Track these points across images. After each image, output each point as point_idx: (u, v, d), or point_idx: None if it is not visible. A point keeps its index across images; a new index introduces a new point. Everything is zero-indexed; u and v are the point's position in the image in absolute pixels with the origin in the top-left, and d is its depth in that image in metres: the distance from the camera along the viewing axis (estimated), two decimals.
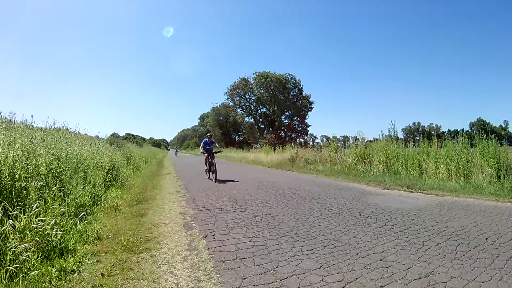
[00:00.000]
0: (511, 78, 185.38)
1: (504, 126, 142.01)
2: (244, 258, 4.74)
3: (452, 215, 7.43)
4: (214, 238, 5.72)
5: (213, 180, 14.50)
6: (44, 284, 3.72)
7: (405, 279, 4.00)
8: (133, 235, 5.66)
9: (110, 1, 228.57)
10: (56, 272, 4.00)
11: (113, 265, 4.38)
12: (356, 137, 21.34)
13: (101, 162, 11.19)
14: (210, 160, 15.49)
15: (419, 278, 4.03)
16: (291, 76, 65.29)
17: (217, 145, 18.34)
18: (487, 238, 5.63)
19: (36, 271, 3.89)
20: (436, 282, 3.91)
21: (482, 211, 7.80)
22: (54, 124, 12.68)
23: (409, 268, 4.34)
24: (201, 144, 16.51)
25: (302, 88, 65.88)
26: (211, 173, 15.34)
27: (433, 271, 4.24)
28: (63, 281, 3.86)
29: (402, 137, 21.77)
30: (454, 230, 6.14)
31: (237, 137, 72.85)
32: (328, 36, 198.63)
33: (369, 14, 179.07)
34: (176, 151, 65.70)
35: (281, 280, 3.97)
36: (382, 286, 3.82)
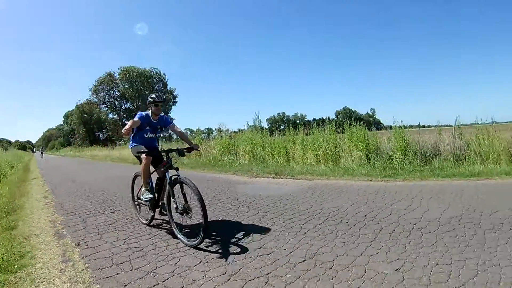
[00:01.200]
0: (378, 70, 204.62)
1: (371, 113, 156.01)
2: (121, 263, 4.32)
3: (326, 197, 7.55)
4: (87, 245, 5.18)
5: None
6: None
7: (290, 263, 3.90)
8: (6, 252, 4.88)
9: None
10: None
11: None
12: (220, 128, 21.34)
13: None
14: (162, 171, 5.61)
15: (304, 260, 3.96)
16: (156, 70, 65.38)
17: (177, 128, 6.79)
18: (365, 215, 5.76)
19: None
20: (323, 262, 3.87)
21: (355, 190, 8.08)
22: None
23: (291, 252, 4.26)
24: (132, 121, 5.59)
25: (167, 82, 66.14)
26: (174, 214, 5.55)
27: (317, 252, 4.20)
28: None
29: (267, 127, 22.38)
30: (330, 211, 6.19)
31: (101, 135, 70.24)
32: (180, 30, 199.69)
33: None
34: (42, 153, 58.63)
35: (163, 281, 3.66)
36: (268, 273, 3.65)
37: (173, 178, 5.25)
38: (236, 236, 5.08)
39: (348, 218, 5.61)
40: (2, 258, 4.54)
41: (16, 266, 4.36)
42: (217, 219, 6.20)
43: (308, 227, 5.28)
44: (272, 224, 5.60)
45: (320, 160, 13.29)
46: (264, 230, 5.28)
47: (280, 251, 4.29)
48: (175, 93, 65.48)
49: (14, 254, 4.82)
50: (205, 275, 3.70)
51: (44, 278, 4.01)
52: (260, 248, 4.46)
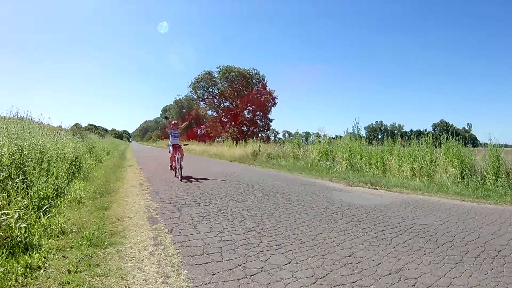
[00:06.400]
0: (475, 83, 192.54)
1: (467, 128, 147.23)
2: (212, 253, 4.62)
3: (418, 212, 7.47)
4: (180, 232, 5.56)
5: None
6: (10, 282, 3.47)
7: (376, 274, 3.97)
8: (98, 229, 5.39)
9: None
10: (22, 269, 3.75)
11: (79, 260, 4.16)
12: (318, 133, 21.38)
13: (64, 153, 10.76)
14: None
15: (390, 274, 4.01)
16: (255, 71, 65.44)
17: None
18: (454, 236, 5.67)
19: (1, 269, 3.63)
20: (407, 278, 3.90)
21: (447, 209, 7.85)
22: (17, 114, 12.08)
23: (379, 264, 4.32)
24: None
25: (266, 83, 66.11)
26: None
27: (403, 267, 4.23)
28: (29, 279, 3.62)
29: (365, 135, 21.99)
30: (421, 228, 6.16)
31: (199, 130, 72.27)
32: (293, 34, 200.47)
33: (334, 12, 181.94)
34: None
35: (251, 276, 3.89)
36: (353, 282, 3.77)
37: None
38: (325, 242, 5.18)
39: (437, 237, 5.57)
40: (93, 234, 5.04)
41: (106, 243, 4.83)
42: (311, 223, 6.32)
43: (398, 241, 5.31)
44: (363, 234, 5.66)
45: (415, 174, 12.94)
46: (354, 239, 5.35)
47: (368, 262, 4.37)
48: (274, 95, 65.47)
49: (105, 232, 5.32)
50: (293, 275, 3.88)
51: (133, 257, 4.39)
52: (350, 256, 4.58)
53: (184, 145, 15.53)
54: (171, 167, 14.56)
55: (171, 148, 14.09)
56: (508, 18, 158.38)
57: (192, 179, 12.41)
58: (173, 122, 14.82)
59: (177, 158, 12.94)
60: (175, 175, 13.29)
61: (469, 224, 6.49)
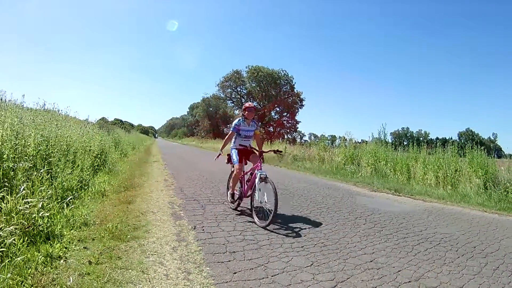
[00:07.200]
0: (502, 93, 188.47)
1: (492, 138, 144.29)
2: (234, 252, 4.70)
3: (440, 221, 7.46)
4: (203, 229, 5.65)
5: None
6: (30, 270, 3.54)
7: (396, 281, 4.02)
8: (120, 222, 5.55)
9: None
10: (42, 258, 3.84)
11: (100, 252, 4.27)
12: (345, 137, 21.30)
13: (90, 146, 11.01)
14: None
15: (409, 281, 4.05)
16: (283, 72, 65.41)
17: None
18: (475, 247, 5.67)
19: (22, 256, 3.71)
20: (426, 287, 3.93)
21: (469, 220, 7.82)
22: (44, 105, 12.39)
23: (399, 271, 4.36)
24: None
25: (294, 85, 66.00)
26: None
27: (423, 275, 4.26)
28: (49, 268, 3.69)
29: (390, 141, 21.76)
30: (442, 237, 6.17)
31: (225, 129, 72.50)
32: (323, 37, 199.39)
33: (368, 13, 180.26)
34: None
35: (272, 276, 3.95)
36: (374, 287, 3.82)
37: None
38: (347, 246, 5.25)
39: (458, 247, 5.57)
40: (116, 227, 5.17)
41: (128, 236, 4.92)
42: (334, 227, 6.39)
43: (419, 249, 5.33)
44: (386, 240, 5.70)
45: (439, 182, 12.80)
46: (376, 245, 5.41)
47: (388, 268, 4.42)
48: (302, 96, 65.14)
49: (128, 225, 5.43)
50: (313, 277, 3.96)
51: (155, 252, 4.47)
52: (371, 261, 4.63)
53: (277, 151, 7.98)
54: (232, 195, 7.43)
55: (235, 155, 7.12)
56: None
57: (218, 177, 12.10)
58: (247, 105, 7.41)
59: (258, 179, 6.46)
60: (234, 207, 7.40)
61: (490, 236, 6.47)
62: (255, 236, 5.47)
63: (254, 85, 64.36)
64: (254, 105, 7.59)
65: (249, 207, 6.83)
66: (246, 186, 7.10)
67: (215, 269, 4.06)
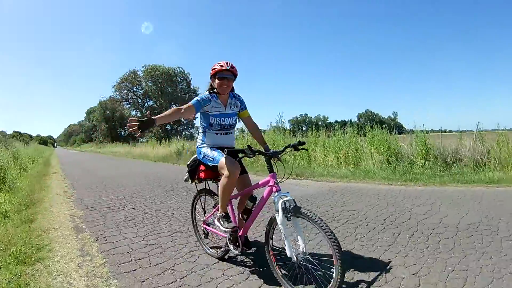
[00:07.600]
0: (400, 72, 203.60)
1: (393, 117, 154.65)
2: (139, 259, 4.41)
3: (346, 199, 7.57)
4: (106, 240, 5.29)
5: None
6: None
7: None
8: (24, 244, 5.02)
9: None
10: None
11: (8, 281, 3.79)
12: (242, 128, 21.37)
13: None
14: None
15: None
16: (180, 69, 66.10)
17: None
18: (385, 219, 5.76)
19: None
20: None
21: (376, 194, 8.04)
22: None
23: (309, 253, 4.19)
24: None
25: (190, 81, 66.63)
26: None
27: None
28: None
29: (289, 128, 22.16)
30: (350, 214, 6.22)
31: (123, 132, 71.06)
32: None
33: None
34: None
35: (180, 278, 3.73)
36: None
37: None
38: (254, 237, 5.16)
39: (367, 222, 5.63)
40: (19, 250, 4.65)
41: (33, 259, 4.45)
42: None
43: None
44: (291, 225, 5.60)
45: (341, 163, 13.28)
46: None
47: None
48: (198, 92, 65.72)
49: (32, 247, 4.93)
50: (223, 274, 3.81)
51: (61, 271, 4.08)
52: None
53: (302, 148, 3.95)
54: (225, 216, 3.84)
55: (211, 150, 3.91)
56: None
57: (116, 182, 11.86)
58: (220, 66, 3.73)
59: (281, 211, 3.35)
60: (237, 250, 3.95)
61: (400, 207, 6.64)
62: (158, 239, 5.21)
63: (150, 84, 64.17)
64: (232, 64, 3.83)
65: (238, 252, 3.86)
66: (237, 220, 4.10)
67: (122, 280, 3.77)
